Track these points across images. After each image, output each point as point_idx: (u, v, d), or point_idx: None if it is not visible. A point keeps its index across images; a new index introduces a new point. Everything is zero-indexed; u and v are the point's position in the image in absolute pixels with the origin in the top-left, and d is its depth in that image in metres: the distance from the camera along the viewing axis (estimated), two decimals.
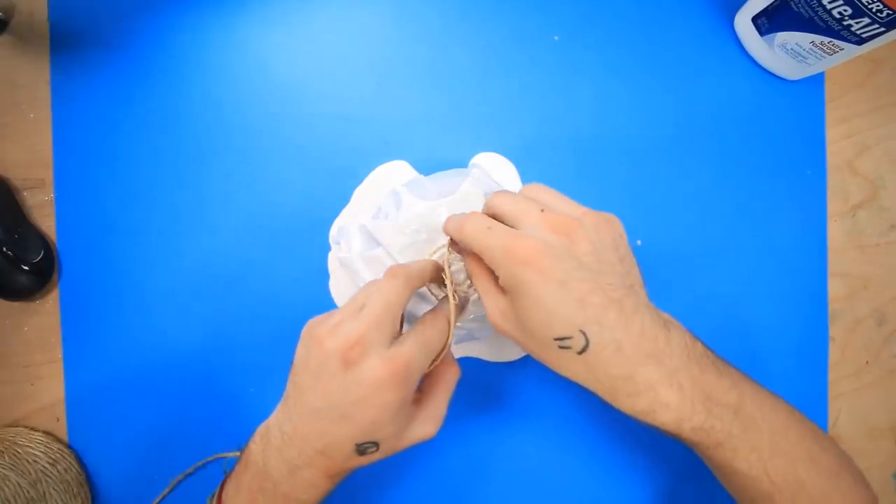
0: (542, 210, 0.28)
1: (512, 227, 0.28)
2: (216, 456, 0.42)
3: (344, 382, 0.27)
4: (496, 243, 0.27)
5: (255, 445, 0.31)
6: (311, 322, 0.30)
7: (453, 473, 0.43)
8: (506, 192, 0.31)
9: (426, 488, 0.43)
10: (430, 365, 0.31)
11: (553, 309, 0.25)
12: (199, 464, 0.42)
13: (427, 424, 0.31)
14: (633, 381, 0.27)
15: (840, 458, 0.31)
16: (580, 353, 0.26)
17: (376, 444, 0.29)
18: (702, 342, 0.30)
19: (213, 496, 0.33)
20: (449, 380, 0.32)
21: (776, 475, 0.29)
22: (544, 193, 0.30)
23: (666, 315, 0.29)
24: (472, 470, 0.43)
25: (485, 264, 0.30)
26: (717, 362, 0.30)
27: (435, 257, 0.35)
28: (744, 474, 0.29)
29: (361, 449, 0.28)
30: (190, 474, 0.42)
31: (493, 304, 0.29)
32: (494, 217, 0.30)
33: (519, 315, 0.27)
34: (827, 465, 0.30)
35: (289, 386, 0.30)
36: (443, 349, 0.31)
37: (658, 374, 0.27)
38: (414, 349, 0.28)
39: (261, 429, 0.31)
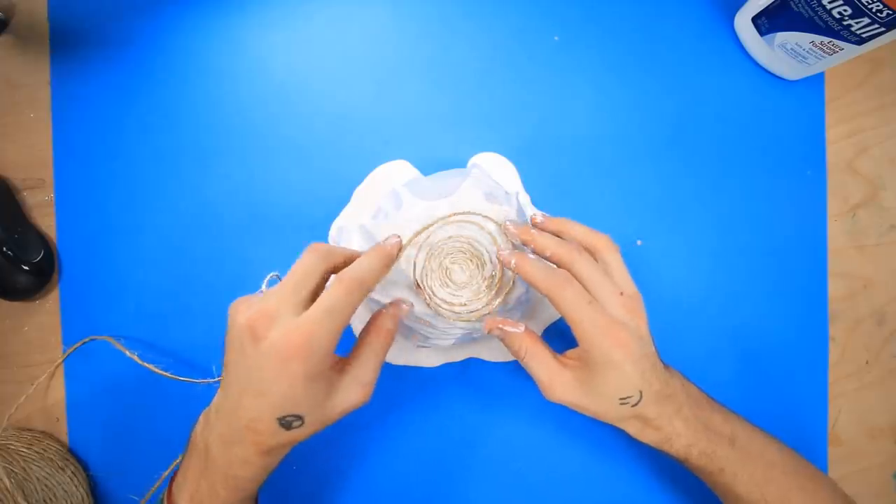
0: (622, 293, 0.32)
1: (588, 289, 0.32)
2: None
3: (256, 357, 0.27)
4: (595, 319, 0.31)
5: (198, 427, 0.31)
6: (235, 301, 0.29)
7: (454, 473, 0.43)
8: (582, 254, 0.33)
9: (427, 489, 0.43)
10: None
11: (627, 378, 0.31)
12: None
13: (352, 390, 0.30)
14: (658, 419, 0.33)
15: (834, 493, 0.35)
16: (634, 405, 0.32)
17: (300, 418, 0.28)
18: (694, 384, 0.35)
19: (163, 493, 0.32)
20: (375, 343, 0.32)
21: (773, 501, 0.34)
22: (614, 265, 0.33)
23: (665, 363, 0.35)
24: (473, 469, 0.43)
25: (542, 343, 0.34)
26: (709, 401, 0.35)
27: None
28: (745, 499, 0.34)
29: (285, 423, 0.28)
30: None
31: (556, 377, 0.33)
32: (554, 262, 0.33)
33: (593, 381, 0.32)
34: (823, 497, 0.34)
35: (223, 364, 0.30)
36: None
37: (671, 411, 0.33)
38: (318, 317, 0.27)
39: (204, 411, 0.31)
